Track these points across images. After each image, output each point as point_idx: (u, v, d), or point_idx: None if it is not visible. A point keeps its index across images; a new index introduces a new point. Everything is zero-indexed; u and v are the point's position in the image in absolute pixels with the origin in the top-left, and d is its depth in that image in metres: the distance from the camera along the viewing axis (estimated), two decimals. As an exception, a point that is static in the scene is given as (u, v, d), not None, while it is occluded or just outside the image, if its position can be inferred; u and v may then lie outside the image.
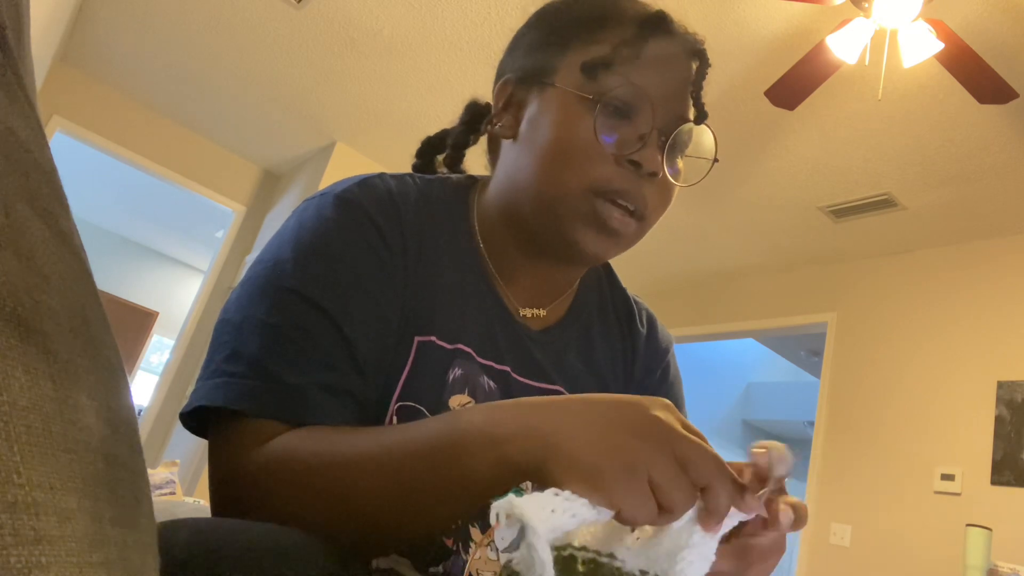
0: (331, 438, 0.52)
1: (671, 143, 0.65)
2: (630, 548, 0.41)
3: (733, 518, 0.41)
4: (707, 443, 0.42)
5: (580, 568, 0.41)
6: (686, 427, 0.42)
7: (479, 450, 0.44)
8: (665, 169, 0.65)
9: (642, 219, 0.66)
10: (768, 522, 0.43)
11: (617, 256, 0.70)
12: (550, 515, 0.38)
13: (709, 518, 0.40)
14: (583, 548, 0.41)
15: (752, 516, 0.42)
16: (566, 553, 0.41)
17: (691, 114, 0.67)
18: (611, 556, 0.41)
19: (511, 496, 0.37)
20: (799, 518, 0.43)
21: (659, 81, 0.65)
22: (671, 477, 0.39)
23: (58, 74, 4.27)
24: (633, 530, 0.42)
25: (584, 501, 0.39)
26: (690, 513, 0.41)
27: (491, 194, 0.73)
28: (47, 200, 0.22)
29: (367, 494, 0.48)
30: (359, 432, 0.52)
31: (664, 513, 0.39)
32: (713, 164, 0.69)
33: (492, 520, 0.36)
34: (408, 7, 3.05)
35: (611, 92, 0.63)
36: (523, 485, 0.48)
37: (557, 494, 0.39)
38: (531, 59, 0.71)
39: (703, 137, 0.69)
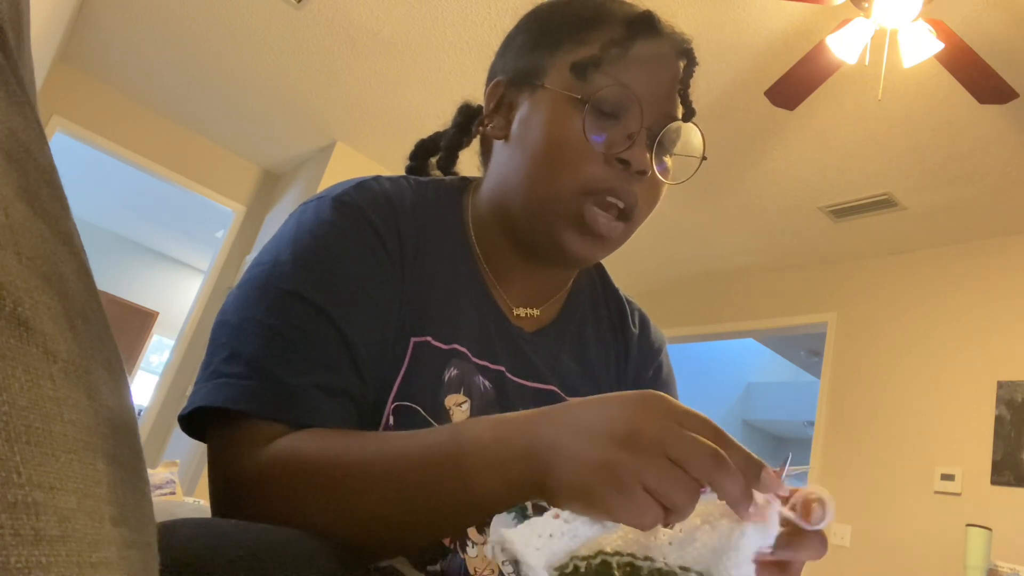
0: (334, 442, 0.52)
1: (659, 141, 0.67)
2: (671, 544, 0.40)
3: (772, 508, 0.39)
4: (706, 424, 0.40)
5: (616, 573, 0.40)
6: (680, 416, 0.41)
7: (484, 469, 0.44)
8: (654, 167, 0.66)
9: (629, 219, 0.67)
10: (804, 517, 0.40)
11: (606, 257, 0.70)
12: (548, 540, 0.37)
13: (736, 508, 0.39)
14: (617, 553, 0.40)
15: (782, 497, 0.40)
16: (597, 561, 0.40)
17: (679, 112, 0.68)
18: (648, 559, 0.40)
19: (503, 532, 0.37)
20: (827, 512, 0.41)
21: (647, 80, 0.66)
22: (665, 481, 0.38)
23: (58, 74, 4.27)
24: (669, 525, 0.41)
25: (584, 519, 0.38)
26: (727, 510, 0.39)
27: (484, 195, 0.74)
28: (47, 200, 0.22)
29: (369, 501, 0.48)
30: (363, 437, 0.52)
31: (670, 514, 0.39)
32: (701, 162, 0.70)
33: (488, 555, 0.36)
34: (408, 7, 3.05)
35: (600, 92, 0.64)
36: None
37: (557, 515, 0.38)
38: (522, 61, 0.72)
39: (691, 135, 0.70)
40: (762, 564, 0.40)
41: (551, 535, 0.37)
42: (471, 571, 0.62)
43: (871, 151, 3.25)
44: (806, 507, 0.40)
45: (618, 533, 0.41)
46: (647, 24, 0.67)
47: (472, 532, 0.63)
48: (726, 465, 0.39)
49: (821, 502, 0.40)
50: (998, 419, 3.26)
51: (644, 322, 0.84)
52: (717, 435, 0.40)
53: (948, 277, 3.75)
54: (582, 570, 0.39)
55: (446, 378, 0.65)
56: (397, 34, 3.25)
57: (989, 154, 3.09)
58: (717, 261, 4.68)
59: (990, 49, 2.50)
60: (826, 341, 4.13)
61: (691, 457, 0.39)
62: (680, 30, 0.70)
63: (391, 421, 0.62)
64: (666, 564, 0.39)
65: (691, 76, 0.69)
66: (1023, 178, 3.19)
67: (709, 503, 0.40)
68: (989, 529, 2.04)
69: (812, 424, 4.05)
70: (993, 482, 3.18)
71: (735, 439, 0.41)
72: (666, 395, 0.42)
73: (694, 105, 0.70)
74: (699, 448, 0.39)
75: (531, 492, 0.42)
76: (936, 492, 3.35)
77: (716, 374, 7.48)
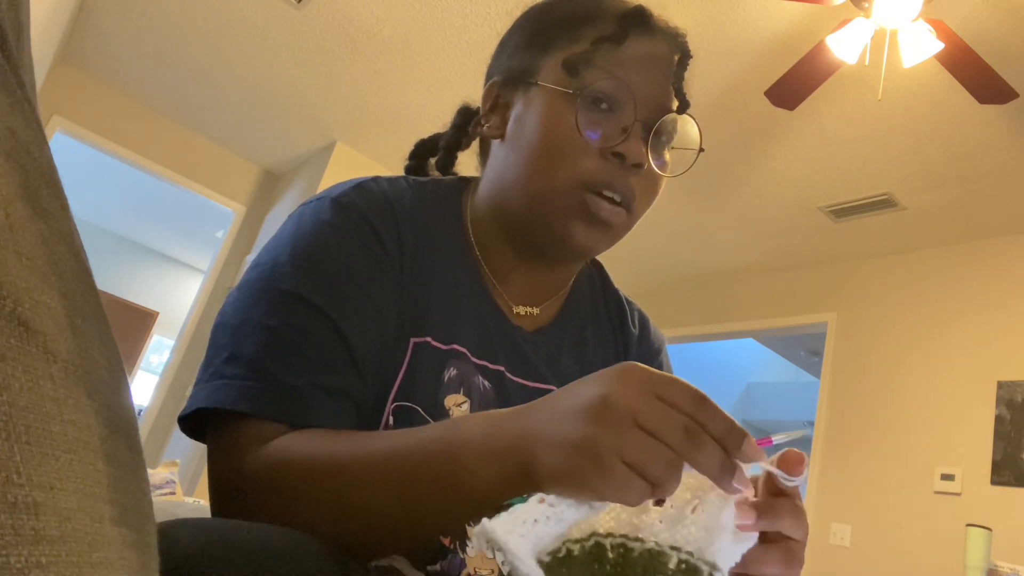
0: (331, 441, 0.52)
1: (655, 134, 0.66)
2: (661, 523, 0.40)
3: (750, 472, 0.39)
4: (686, 391, 0.39)
5: (610, 555, 0.40)
6: (658, 385, 0.39)
7: (477, 463, 0.44)
8: (650, 160, 0.66)
9: (631, 210, 0.67)
10: (786, 469, 0.40)
11: (608, 250, 0.70)
12: (533, 527, 0.37)
13: (718, 483, 0.38)
14: (609, 534, 0.40)
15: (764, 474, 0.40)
16: (591, 543, 0.40)
17: (673, 105, 0.68)
18: (639, 540, 0.40)
19: (484, 521, 0.37)
20: (800, 523, 0.41)
21: (640, 73, 0.66)
22: (643, 454, 0.37)
23: (58, 74, 4.27)
24: (658, 503, 0.40)
25: (570, 502, 0.38)
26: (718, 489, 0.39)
27: (482, 194, 0.74)
28: (47, 200, 0.23)
29: (366, 499, 0.48)
30: (360, 436, 0.52)
31: (655, 488, 0.38)
32: (699, 154, 0.70)
33: (472, 547, 0.36)
34: (408, 7, 3.05)
35: (591, 85, 0.64)
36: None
37: (543, 500, 0.38)
38: (516, 60, 0.72)
39: (687, 127, 0.70)
40: (761, 546, 0.41)
41: (535, 520, 0.37)
42: (471, 571, 0.62)
43: (871, 151, 3.25)
44: (783, 462, 0.40)
45: (611, 514, 0.40)
46: (639, 19, 0.67)
47: (471, 531, 0.63)
48: (698, 438, 0.38)
49: (793, 453, 0.40)
50: (998, 419, 3.25)
51: (644, 322, 0.84)
52: (698, 402, 0.39)
53: (948, 277, 3.75)
54: (575, 553, 0.39)
55: (446, 378, 0.65)
56: (397, 34, 3.24)
57: (989, 154, 3.09)
58: (717, 261, 4.68)
59: (990, 49, 2.50)
60: (826, 341, 4.13)
61: (663, 430, 0.38)
62: (674, 24, 0.70)
63: (391, 421, 0.62)
64: (657, 544, 0.39)
65: (685, 69, 0.68)
66: (1023, 178, 3.19)
67: (699, 476, 0.39)
68: (989, 529, 2.04)
69: (812, 424, 4.05)
70: (993, 482, 3.18)
71: (718, 406, 0.39)
72: (644, 365, 0.41)
73: (693, 102, 0.70)
74: (670, 420, 0.38)
75: (525, 484, 0.42)
76: (936, 492, 3.35)
77: (716, 374, 7.48)
